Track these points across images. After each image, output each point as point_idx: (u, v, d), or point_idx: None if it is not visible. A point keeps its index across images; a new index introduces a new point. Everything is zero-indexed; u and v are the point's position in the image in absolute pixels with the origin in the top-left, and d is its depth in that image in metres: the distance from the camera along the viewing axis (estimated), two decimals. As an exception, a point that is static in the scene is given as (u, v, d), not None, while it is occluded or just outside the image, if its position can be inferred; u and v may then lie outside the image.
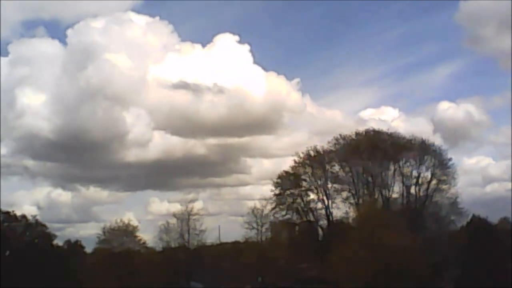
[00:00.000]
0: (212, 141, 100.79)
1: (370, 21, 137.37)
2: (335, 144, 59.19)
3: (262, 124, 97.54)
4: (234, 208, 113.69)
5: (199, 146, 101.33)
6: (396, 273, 42.38)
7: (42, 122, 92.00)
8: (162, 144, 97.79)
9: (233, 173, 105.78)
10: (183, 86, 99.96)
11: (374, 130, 60.34)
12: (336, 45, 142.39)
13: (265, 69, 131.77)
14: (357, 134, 59.74)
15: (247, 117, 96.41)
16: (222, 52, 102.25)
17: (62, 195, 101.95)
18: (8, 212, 60.57)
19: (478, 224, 55.98)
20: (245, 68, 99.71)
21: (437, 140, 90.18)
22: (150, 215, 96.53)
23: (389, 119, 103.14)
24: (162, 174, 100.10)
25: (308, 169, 58.09)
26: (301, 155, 58.86)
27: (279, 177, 58.73)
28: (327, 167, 57.92)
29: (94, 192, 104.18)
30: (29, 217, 61.43)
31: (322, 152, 58.58)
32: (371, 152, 56.72)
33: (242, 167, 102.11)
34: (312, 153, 58.66)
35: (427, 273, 44.97)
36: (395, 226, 45.66)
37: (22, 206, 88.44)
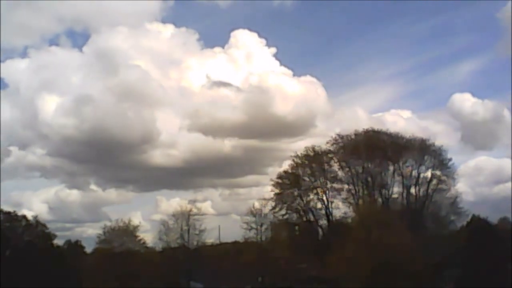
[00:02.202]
0: (236, 142, 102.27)
1: (398, 14, 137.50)
2: (333, 144, 59.29)
3: (287, 126, 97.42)
4: (244, 208, 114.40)
5: (223, 147, 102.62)
6: (395, 273, 42.33)
7: (69, 124, 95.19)
8: (186, 145, 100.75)
9: (250, 174, 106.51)
10: (209, 88, 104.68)
11: (373, 130, 60.33)
12: (355, 42, 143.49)
13: (290, 68, 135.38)
14: (356, 134, 59.74)
15: (272, 119, 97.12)
16: (246, 55, 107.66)
17: (76, 195, 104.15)
18: (8, 212, 60.62)
19: (478, 224, 55.90)
20: (272, 70, 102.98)
21: (456, 137, 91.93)
22: (162, 214, 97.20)
23: (409, 117, 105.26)
24: (181, 174, 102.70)
25: (307, 169, 58.08)
26: (300, 156, 58.97)
27: (279, 177, 58.79)
28: (326, 167, 57.96)
29: (108, 192, 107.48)
30: (30, 217, 61.57)
31: (320, 153, 58.59)
32: (371, 152, 56.69)
33: (260, 168, 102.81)
34: (310, 153, 58.68)
35: (427, 273, 44.94)
36: (395, 226, 45.63)
37: (35, 205, 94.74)
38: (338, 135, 60.45)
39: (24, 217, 61.56)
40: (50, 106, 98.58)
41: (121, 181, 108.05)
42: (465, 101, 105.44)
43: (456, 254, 51.45)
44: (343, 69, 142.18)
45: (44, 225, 62.62)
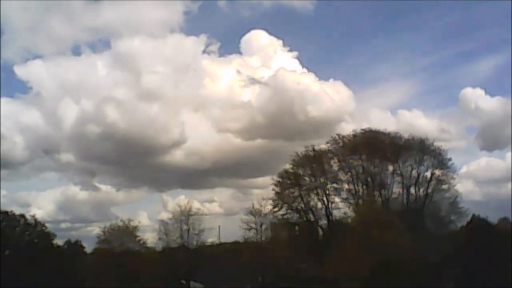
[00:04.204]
0: (259, 143, 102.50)
1: (419, 9, 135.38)
2: (333, 144, 59.34)
3: (310, 127, 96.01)
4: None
5: (245, 148, 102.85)
6: (395, 273, 42.35)
7: (92, 126, 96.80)
8: (208, 146, 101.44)
9: (268, 174, 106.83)
10: (234, 89, 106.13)
11: (372, 130, 60.46)
12: (375, 39, 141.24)
13: (312, 69, 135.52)
14: (355, 134, 59.90)
15: (295, 119, 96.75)
16: (268, 58, 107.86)
17: (87, 196, 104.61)
18: (7, 212, 60.55)
19: (478, 224, 55.92)
20: (293, 71, 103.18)
21: (473, 135, 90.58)
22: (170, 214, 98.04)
23: (428, 114, 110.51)
24: (199, 174, 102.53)
25: (308, 169, 58.11)
26: (300, 155, 59.00)
27: (279, 176, 58.82)
28: (326, 167, 57.99)
29: (121, 193, 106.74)
30: (28, 217, 61.50)
31: (320, 152, 58.64)
32: (370, 152, 56.79)
33: (279, 168, 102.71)
34: (310, 153, 58.73)
35: (427, 273, 44.96)
36: (395, 225, 45.66)
37: (45, 205, 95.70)
38: (338, 135, 60.74)
39: (23, 216, 61.48)
40: (72, 111, 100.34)
41: (136, 182, 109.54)
42: (482, 99, 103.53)
43: (456, 254, 51.40)
44: (363, 67, 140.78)
45: (43, 225, 62.57)
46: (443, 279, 52.17)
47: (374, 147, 57.14)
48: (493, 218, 60.29)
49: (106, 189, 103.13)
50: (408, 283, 42.85)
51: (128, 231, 57.20)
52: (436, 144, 59.34)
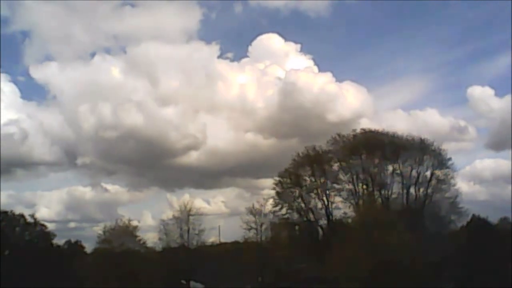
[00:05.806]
0: (274, 142, 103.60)
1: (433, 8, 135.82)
2: (333, 144, 59.33)
3: (326, 127, 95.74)
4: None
5: (259, 148, 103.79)
6: (395, 273, 42.34)
7: (110, 128, 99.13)
8: (223, 146, 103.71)
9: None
10: (250, 91, 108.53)
11: (372, 130, 60.44)
12: (389, 37, 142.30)
13: (328, 69, 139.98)
14: (355, 134, 59.86)
15: (311, 122, 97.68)
16: (282, 60, 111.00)
17: (97, 196, 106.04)
18: (6, 212, 60.56)
19: (478, 224, 55.97)
20: (308, 70, 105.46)
21: (484, 134, 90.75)
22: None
23: (440, 113, 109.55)
24: (210, 174, 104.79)
25: (308, 169, 58.14)
26: (301, 155, 59.02)
27: (280, 176, 58.82)
28: (326, 167, 57.99)
29: (129, 193, 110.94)
30: (27, 216, 61.52)
31: (321, 152, 58.66)
32: (370, 152, 56.77)
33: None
34: (311, 153, 58.75)
35: (427, 273, 44.93)
36: (395, 225, 45.65)
37: (55, 205, 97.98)
38: (338, 134, 60.63)
39: (22, 216, 61.48)
40: (90, 113, 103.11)
41: (149, 182, 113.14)
42: (491, 98, 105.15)
43: (456, 254, 51.43)
44: (379, 66, 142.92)
45: (43, 225, 62.60)
46: (443, 279, 52.19)
47: (373, 147, 57.11)
48: (497, 218, 60.51)
49: (115, 189, 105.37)
50: (408, 283, 42.83)
51: (128, 231, 57.18)
52: (440, 144, 59.50)
